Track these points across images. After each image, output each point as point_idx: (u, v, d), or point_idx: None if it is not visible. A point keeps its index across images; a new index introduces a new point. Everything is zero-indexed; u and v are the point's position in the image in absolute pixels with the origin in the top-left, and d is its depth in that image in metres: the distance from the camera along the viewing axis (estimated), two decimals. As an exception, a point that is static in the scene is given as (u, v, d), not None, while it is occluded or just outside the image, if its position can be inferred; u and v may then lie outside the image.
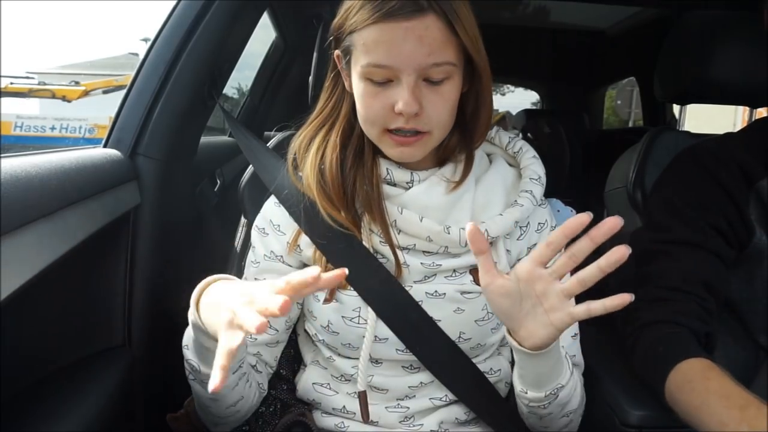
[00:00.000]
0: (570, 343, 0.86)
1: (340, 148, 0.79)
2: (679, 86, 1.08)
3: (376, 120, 0.73)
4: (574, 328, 0.87)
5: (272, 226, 0.84)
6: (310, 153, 0.81)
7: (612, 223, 0.58)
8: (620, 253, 0.58)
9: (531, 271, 0.64)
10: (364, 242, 0.79)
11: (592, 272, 0.60)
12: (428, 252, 0.80)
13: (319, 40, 0.98)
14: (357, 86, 0.74)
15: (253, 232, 0.87)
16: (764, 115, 1.07)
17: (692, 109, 1.94)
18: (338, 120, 0.80)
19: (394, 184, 0.80)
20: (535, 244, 0.84)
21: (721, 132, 1.03)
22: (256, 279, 0.85)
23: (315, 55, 1.02)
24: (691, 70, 1.03)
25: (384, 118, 0.72)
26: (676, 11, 1.77)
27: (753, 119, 1.01)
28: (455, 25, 0.69)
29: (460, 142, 0.80)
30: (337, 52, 0.78)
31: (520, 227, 0.83)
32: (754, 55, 0.97)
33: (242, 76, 2.31)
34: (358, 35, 0.71)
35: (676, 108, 2.67)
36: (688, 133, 1.12)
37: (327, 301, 0.81)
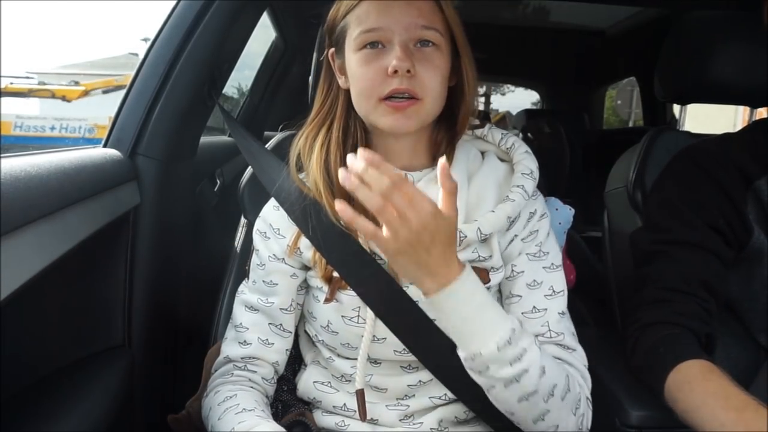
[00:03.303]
0: (557, 320, 0.80)
1: (342, 146, 0.80)
2: (679, 86, 1.08)
3: (373, 87, 0.75)
4: (561, 306, 0.82)
5: (272, 229, 0.85)
6: (314, 151, 0.81)
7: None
8: None
9: None
10: (361, 243, 0.79)
11: None
12: None
13: (319, 40, 0.98)
14: (352, 62, 0.77)
15: (255, 236, 0.87)
16: (764, 115, 1.07)
17: (692, 109, 1.93)
18: (336, 117, 0.82)
19: None
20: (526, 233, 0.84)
21: (721, 132, 1.03)
22: (264, 281, 0.85)
23: (315, 55, 1.02)
24: (691, 70, 1.03)
25: (379, 84, 0.74)
26: (676, 11, 1.77)
27: (753, 119, 1.01)
28: (441, 2, 0.76)
29: (447, 135, 0.82)
30: (331, 50, 0.81)
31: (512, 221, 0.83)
32: (754, 55, 0.97)
33: (242, 76, 2.31)
34: (351, 14, 0.77)
35: (676, 108, 2.67)
36: (688, 133, 1.12)
37: (327, 300, 0.81)
